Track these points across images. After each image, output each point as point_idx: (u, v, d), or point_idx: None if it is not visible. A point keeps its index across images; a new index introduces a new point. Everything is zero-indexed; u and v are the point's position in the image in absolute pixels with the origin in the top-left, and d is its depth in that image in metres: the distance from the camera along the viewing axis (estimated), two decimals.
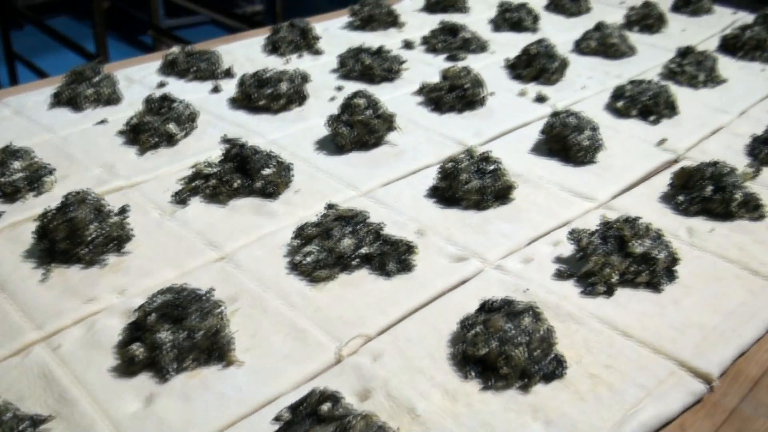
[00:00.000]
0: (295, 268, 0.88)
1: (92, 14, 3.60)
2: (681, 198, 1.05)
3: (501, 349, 0.73)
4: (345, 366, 0.75)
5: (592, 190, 1.08)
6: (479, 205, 1.02)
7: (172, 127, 1.16)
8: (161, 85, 1.38)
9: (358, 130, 1.14)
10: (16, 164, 1.03)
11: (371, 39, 1.64)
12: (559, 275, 0.90)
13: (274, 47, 1.55)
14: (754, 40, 1.62)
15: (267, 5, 5.75)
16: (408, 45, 1.60)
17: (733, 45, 1.64)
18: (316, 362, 0.75)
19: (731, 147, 1.23)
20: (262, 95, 1.27)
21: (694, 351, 0.79)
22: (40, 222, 0.89)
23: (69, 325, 0.80)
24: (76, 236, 0.87)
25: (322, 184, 1.07)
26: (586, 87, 1.43)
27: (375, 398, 0.71)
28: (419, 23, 1.76)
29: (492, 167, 1.03)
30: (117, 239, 0.90)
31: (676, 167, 1.11)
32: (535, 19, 1.74)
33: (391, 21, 1.71)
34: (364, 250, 0.88)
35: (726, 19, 1.90)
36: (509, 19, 1.72)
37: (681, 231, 1.00)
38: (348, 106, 1.15)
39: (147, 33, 4.71)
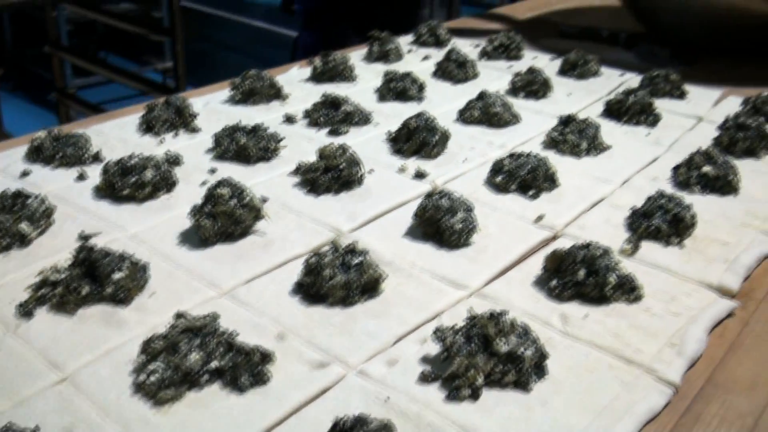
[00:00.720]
0: (139, 388, 0.82)
1: None
2: (554, 283, 1.02)
3: None
4: None
5: (464, 276, 1.05)
6: (345, 301, 0.97)
7: (24, 226, 1.09)
8: (24, 174, 1.31)
9: (221, 221, 1.09)
10: None
11: (253, 113, 1.60)
12: (424, 378, 0.86)
13: (148, 126, 1.49)
14: (639, 105, 1.63)
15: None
16: (289, 119, 1.56)
17: (617, 110, 1.65)
18: None
19: (610, 221, 1.22)
20: (126, 184, 1.21)
21: None
22: None
23: None
24: None
25: (180, 283, 1.01)
26: (467, 160, 1.41)
27: None
28: (304, 95, 1.72)
29: (358, 260, 0.99)
30: None
31: (551, 248, 1.09)
32: (421, 87, 1.73)
33: (274, 93, 1.67)
34: (214, 364, 0.83)
35: (614, 82, 1.92)
36: (394, 89, 1.70)
37: (554, 318, 0.98)
38: (211, 196, 1.10)
39: (51, 95, 4.60)
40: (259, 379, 0.83)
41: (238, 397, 0.82)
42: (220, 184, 1.11)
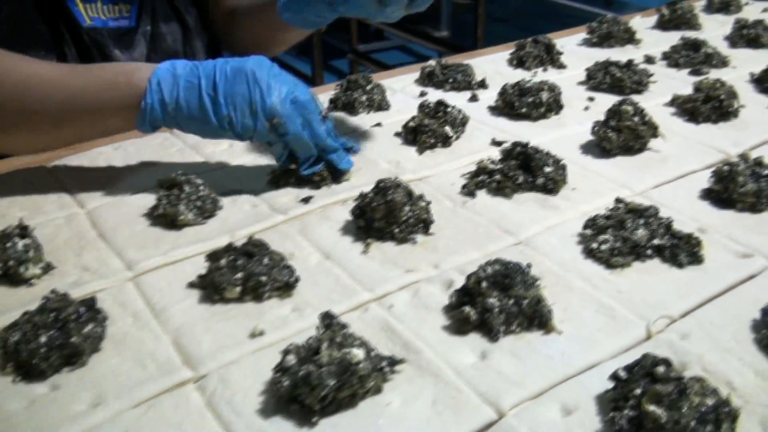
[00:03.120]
0: (591, 254, 0.95)
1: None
2: None
3: None
4: (657, 341, 0.81)
5: None
6: (754, 207, 1.05)
7: (448, 129, 1.26)
8: (422, 94, 1.50)
9: (625, 135, 1.20)
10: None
11: (609, 55, 1.69)
12: None
13: (520, 61, 1.64)
14: None
15: (452, 31, 5.91)
16: (649, 60, 1.65)
17: None
18: (628, 336, 0.82)
19: None
20: (523, 103, 1.36)
21: None
22: (359, 202, 1.01)
23: (395, 290, 0.91)
24: (392, 216, 0.99)
25: (595, 183, 1.14)
26: None
27: (692, 370, 0.76)
28: (654, 40, 1.80)
29: (767, 171, 1.06)
30: (423, 221, 1.01)
31: None
32: None
33: (628, 38, 1.77)
34: (656, 241, 0.95)
35: None
36: (746, 36, 1.73)
37: None
38: (616, 112, 1.21)
39: (346, 56, 4.98)
40: (695, 259, 0.94)
41: (678, 271, 0.93)
42: (624, 102, 1.22)
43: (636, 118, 1.20)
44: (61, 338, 0.79)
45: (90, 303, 0.85)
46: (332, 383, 0.70)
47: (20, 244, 0.96)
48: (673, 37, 1.76)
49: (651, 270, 0.93)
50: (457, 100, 1.47)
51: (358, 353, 0.72)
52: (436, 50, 4.39)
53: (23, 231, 0.98)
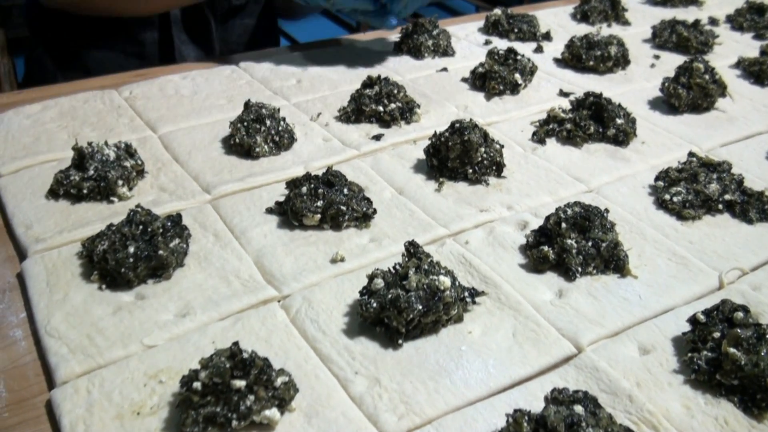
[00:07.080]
0: (663, 205, 0.97)
1: None
2: None
3: None
4: (730, 290, 0.83)
5: None
6: None
7: (518, 76, 1.27)
8: (486, 42, 1.50)
9: (694, 93, 1.20)
10: (394, 95, 1.17)
11: (672, 14, 1.68)
12: None
13: (584, 15, 1.63)
14: None
15: None
16: (713, 22, 1.64)
17: None
18: (701, 284, 0.84)
19: None
20: (591, 56, 1.36)
21: None
22: (433, 141, 1.03)
23: (470, 227, 0.93)
24: (467, 156, 1.00)
25: (663, 138, 1.15)
26: None
27: (765, 319, 0.78)
28: (716, 2, 1.79)
29: None
30: (497, 164, 1.02)
31: None
32: None
33: None
34: (727, 196, 0.96)
35: None
36: None
37: None
38: (687, 69, 1.22)
39: None
40: (765, 216, 0.95)
41: (749, 227, 0.94)
42: (695, 60, 1.22)
43: (707, 76, 1.20)
44: (148, 250, 0.82)
45: (176, 219, 0.87)
46: (420, 307, 0.72)
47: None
48: (735, 1, 1.75)
49: (721, 224, 0.94)
50: (522, 50, 1.47)
51: (446, 280, 0.74)
52: (473, 5, 4.34)
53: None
